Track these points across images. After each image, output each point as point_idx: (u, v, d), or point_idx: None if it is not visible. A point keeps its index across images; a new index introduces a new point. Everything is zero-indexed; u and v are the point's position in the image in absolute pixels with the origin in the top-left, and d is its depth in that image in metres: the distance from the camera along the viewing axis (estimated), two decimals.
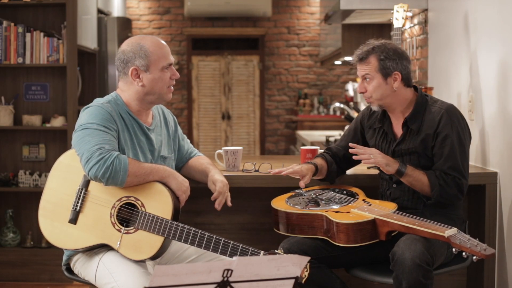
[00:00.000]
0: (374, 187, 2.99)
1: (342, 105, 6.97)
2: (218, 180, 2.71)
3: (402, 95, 2.76)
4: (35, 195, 4.70)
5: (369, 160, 2.67)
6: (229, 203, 2.70)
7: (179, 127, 2.92)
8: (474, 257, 2.29)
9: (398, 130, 2.81)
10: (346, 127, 6.30)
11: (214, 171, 2.78)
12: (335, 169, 2.94)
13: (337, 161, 2.96)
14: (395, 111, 2.80)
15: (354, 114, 6.37)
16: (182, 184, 2.57)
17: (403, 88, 2.76)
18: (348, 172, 3.06)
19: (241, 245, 2.45)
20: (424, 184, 2.67)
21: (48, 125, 4.81)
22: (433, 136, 2.70)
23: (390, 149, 2.80)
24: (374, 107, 2.82)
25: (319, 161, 2.91)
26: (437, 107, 2.74)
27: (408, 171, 2.66)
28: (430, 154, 2.72)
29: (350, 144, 2.75)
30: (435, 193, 2.66)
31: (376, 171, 3.13)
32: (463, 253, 2.33)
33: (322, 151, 3.07)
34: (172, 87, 2.70)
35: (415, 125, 2.73)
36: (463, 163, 2.70)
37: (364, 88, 2.78)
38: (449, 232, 2.38)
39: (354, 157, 2.72)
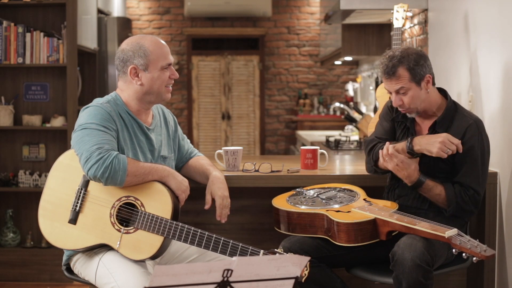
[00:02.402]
0: (375, 186, 2.99)
1: (342, 105, 6.97)
2: (216, 194, 2.69)
3: (432, 96, 2.75)
4: (35, 195, 4.70)
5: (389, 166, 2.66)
6: (223, 220, 2.70)
7: (179, 127, 2.92)
8: (474, 258, 2.29)
9: (421, 128, 2.80)
10: (347, 127, 6.30)
11: (214, 175, 2.77)
12: None
13: None
14: (425, 112, 2.78)
15: (354, 114, 6.37)
16: (181, 184, 2.57)
17: (432, 88, 2.75)
18: (349, 171, 3.06)
19: (240, 244, 2.46)
20: (439, 201, 2.68)
21: (48, 125, 4.81)
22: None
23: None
24: (413, 115, 2.78)
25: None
26: (466, 116, 2.73)
27: (425, 186, 2.65)
28: (451, 160, 2.70)
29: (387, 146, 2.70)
30: (451, 209, 2.67)
31: None
32: (463, 254, 2.33)
33: (374, 143, 2.90)
34: (170, 87, 2.70)
35: (441, 130, 2.71)
36: (483, 178, 2.71)
37: (400, 100, 2.72)
38: (450, 232, 2.38)
39: (380, 161, 2.68)
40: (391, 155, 2.64)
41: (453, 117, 2.73)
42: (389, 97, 2.87)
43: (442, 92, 2.82)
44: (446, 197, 2.66)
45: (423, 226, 2.46)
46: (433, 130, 2.74)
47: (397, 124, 2.87)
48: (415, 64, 2.68)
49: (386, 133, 2.89)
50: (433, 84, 2.76)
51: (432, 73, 2.73)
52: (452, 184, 2.68)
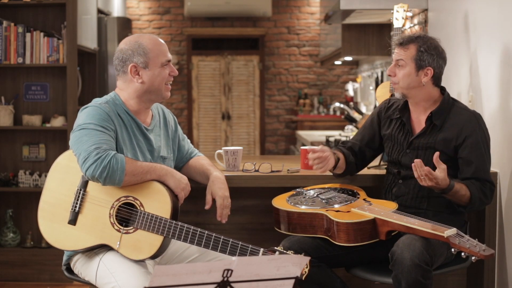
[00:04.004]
0: (375, 186, 2.99)
1: (342, 105, 6.97)
2: (217, 195, 2.69)
3: (428, 91, 2.76)
4: (35, 195, 4.70)
5: (422, 183, 2.59)
6: (224, 221, 2.70)
7: (179, 127, 2.92)
8: (473, 258, 2.29)
9: (417, 123, 2.81)
10: (347, 127, 6.31)
11: (214, 175, 2.77)
12: (353, 160, 2.92)
13: (354, 154, 2.95)
14: (417, 105, 2.79)
15: (354, 114, 6.37)
16: (180, 182, 2.57)
17: (431, 86, 2.76)
18: None
19: (240, 242, 2.45)
20: (462, 200, 2.65)
21: (48, 125, 4.81)
22: (457, 138, 2.69)
23: (406, 141, 2.79)
24: (397, 95, 2.81)
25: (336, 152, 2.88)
26: (463, 109, 2.75)
27: (453, 190, 2.61)
28: (449, 153, 2.71)
29: (416, 161, 2.59)
30: (473, 205, 2.66)
31: (377, 171, 3.13)
32: (462, 253, 2.33)
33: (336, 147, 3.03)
34: (169, 85, 2.71)
35: (439, 121, 2.73)
36: (489, 169, 2.73)
37: (393, 72, 2.77)
38: (449, 232, 2.38)
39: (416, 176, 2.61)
40: (428, 175, 2.56)
41: (450, 110, 2.75)
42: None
43: (441, 89, 2.83)
44: (471, 195, 2.64)
45: (422, 225, 2.46)
46: (430, 122, 2.75)
47: (393, 121, 2.87)
48: (426, 50, 2.72)
49: (362, 139, 2.94)
50: (436, 84, 2.77)
51: (436, 71, 2.74)
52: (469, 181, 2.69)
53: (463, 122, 2.70)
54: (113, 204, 2.52)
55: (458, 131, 2.70)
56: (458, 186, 2.63)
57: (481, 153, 2.69)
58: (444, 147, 2.71)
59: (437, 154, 2.56)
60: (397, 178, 2.81)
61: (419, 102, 2.78)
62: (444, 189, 2.59)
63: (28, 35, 4.72)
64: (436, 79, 2.76)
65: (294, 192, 2.91)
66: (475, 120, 2.71)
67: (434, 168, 2.66)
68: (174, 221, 2.48)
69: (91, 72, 5.52)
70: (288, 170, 3.13)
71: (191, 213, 3.18)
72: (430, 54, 2.71)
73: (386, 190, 2.87)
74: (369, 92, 6.63)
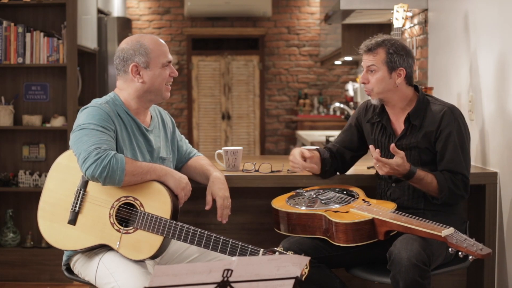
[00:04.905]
0: (375, 187, 2.99)
1: (342, 105, 6.97)
2: (217, 195, 2.69)
3: (402, 92, 2.77)
4: (35, 195, 4.68)
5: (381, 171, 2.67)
6: (224, 221, 2.70)
7: (176, 128, 2.92)
8: (470, 257, 2.29)
9: (397, 125, 2.82)
10: None
11: (214, 175, 2.77)
12: (327, 156, 2.94)
13: (331, 156, 2.96)
14: (394, 107, 2.81)
15: None
16: (180, 181, 2.57)
17: (404, 86, 2.77)
18: (349, 171, 3.06)
19: (240, 243, 2.46)
20: (430, 190, 2.68)
21: (48, 125, 4.82)
22: (436, 132, 2.71)
23: (390, 144, 2.79)
24: (374, 101, 2.82)
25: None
26: (439, 105, 2.77)
27: (416, 176, 2.64)
28: (432, 150, 2.73)
29: (374, 153, 2.71)
30: (443, 195, 2.67)
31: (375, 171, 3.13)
32: (459, 253, 2.33)
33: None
34: (169, 86, 2.71)
35: (417, 121, 2.74)
36: (466, 162, 2.72)
37: (366, 79, 2.78)
38: (446, 231, 2.38)
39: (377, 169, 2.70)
40: (381, 162, 2.65)
41: (426, 108, 2.76)
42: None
43: (415, 88, 2.84)
44: (438, 184, 2.67)
45: (420, 225, 2.46)
46: (408, 123, 2.76)
47: (374, 125, 2.88)
48: (395, 52, 2.73)
49: (340, 141, 2.97)
50: (409, 84, 2.78)
51: (408, 70, 2.75)
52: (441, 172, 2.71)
53: (440, 117, 2.72)
54: (113, 204, 2.52)
55: (436, 126, 2.72)
56: (422, 173, 2.66)
57: (454, 145, 2.69)
58: (427, 144, 2.73)
59: (392, 145, 2.64)
60: (390, 183, 2.82)
61: (395, 104, 2.79)
62: (406, 174, 2.63)
63: (28, 35, 4.72)
64: (409, 79, 2.77)
65: (294, 193, 2.92)
66: (450, 113, 2.72)
67: (423, 166, 2.68)
68: (174, 221, 2.48)
69: (91, 72, 5.52)
70: (288, 170, 3.13)
71: (191, 213, 3.18)
72: (399, 54, 2.73)
73: (381, 195, 2.87)
74: None
